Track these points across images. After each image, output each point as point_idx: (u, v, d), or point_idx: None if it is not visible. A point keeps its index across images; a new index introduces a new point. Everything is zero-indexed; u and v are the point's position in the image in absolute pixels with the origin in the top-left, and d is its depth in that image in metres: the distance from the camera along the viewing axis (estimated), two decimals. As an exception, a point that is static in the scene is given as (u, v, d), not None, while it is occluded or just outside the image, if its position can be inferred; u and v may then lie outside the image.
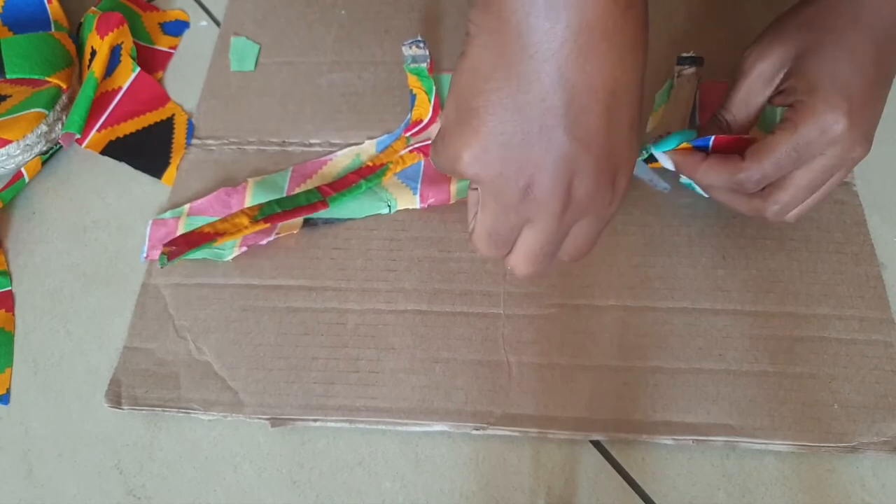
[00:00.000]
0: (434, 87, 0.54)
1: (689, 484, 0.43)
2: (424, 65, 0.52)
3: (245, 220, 0.50)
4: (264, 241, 0.51)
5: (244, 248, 0.51)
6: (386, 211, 0.51)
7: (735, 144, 0.41)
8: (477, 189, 0.34)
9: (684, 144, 0.42)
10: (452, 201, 0.51)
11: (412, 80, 0.54)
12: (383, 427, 0.45)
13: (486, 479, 0.44)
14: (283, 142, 0.56)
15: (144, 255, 0.52)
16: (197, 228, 0.50)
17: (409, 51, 0.52)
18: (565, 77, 0.28)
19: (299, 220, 0.52)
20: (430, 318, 0.48)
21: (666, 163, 0.43)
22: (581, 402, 0.44)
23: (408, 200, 0.52)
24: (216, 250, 0.51)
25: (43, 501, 0.46)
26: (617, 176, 0.32)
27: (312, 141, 0.56)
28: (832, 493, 0.42)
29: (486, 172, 0.31)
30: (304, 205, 0.51)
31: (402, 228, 0.51)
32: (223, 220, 0.50)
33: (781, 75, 0.41)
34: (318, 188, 0.52)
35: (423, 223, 0.51)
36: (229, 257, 0.51)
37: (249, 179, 0.54)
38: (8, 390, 0.49)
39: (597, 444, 0.44)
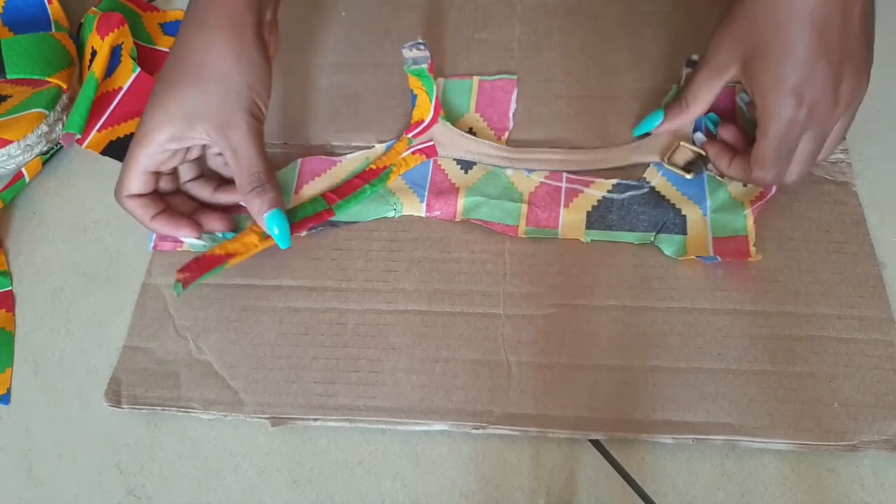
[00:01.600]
0: (435, 88, 0.54)
1: (689, 483, 0.43)
2: (425, 66, 0.52)
3: (255, 239, 0.50)
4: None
5: None
6: (392, 214, 0.52)
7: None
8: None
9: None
10: (458, 219, 0.51)
11: (413, 81, 0.54)
12: (383, 426, 0.45)
13: (485, 478, 0.44)
14: (285, 143, 0.56)
15: (153, 244, 0.52)
16: (208, 251, 0.50)
17: (409, 53, 0.52)
18: None
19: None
20: (429, 318, 0.48)
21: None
22: (581, 402, 0.44)
23: (414, 207, 0.52)
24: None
25: (43, 501, 0.46)
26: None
27: (313, 143, 0.56)
28: (832, 492, 0.42)
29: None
30: (311, 215, 0.51)
31: (403, 229, 0.51)
32: (234, 240, 0.50)
33: (735, 67, 0.46)
34: (324, 195, 0.52)
35: (423, 224, 0.51)
36: None
37: None
38: (8, 390, 0.49)
39: (596, 443, 0.44)
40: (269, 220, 0.48)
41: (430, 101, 0.53)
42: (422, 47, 0.51)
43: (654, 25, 0.58)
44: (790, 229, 0.48)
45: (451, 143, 0.53)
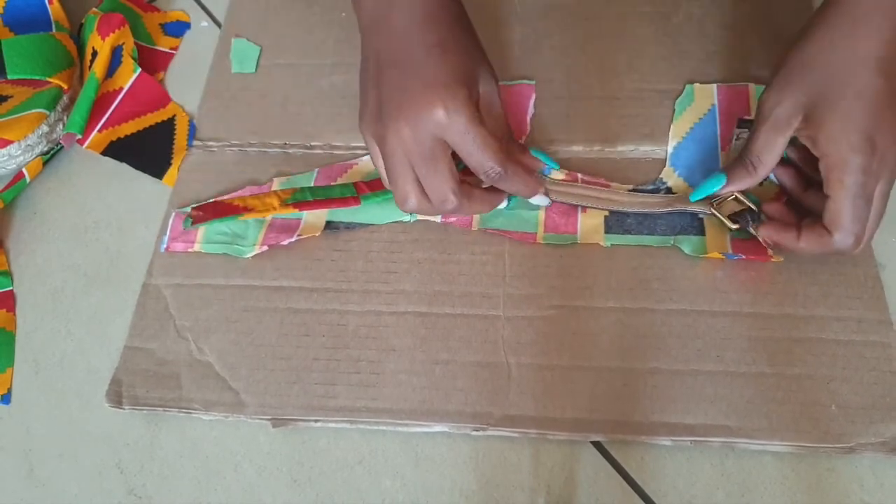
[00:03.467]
0: None
1: (689, 483, 0.43)
2: None
3: (275, 202, 0.51)
4: (286, 242, 0.51)
5: (265, 247, 0.51)
6: (408, 218, 0.51)
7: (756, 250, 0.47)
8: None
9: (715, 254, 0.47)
10: (474, 228, 0.51)
11: None
12: (384, 428, 0.45)
13: (485, 477, 0.44)
14: (285, 144, 0.56)
15: (165, 246, 0.52)
16: (227, 199, 0.51)
17: None
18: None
19: (322, 222, 0.52)
20: (430, 319, 0.48)
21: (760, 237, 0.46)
22: (580, 404, 0.44)
23: None
24: (237, 247, 0.51)
25: (44, 501, 0.46)
26: None
27: (314, 143, 0.56)
28: (831, 492, 0.42)
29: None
30: (337, 197, 0.51)
31: (403, 230, 0.51)
32: (254, 196, 0.51)
33: (798, 118, 0.43)
34: (354, 184, 0.52)
35: (423, 225, 0.51)
36: (249, 254, 0.51)
37: (275, 179, 0.54)
38: (9, 390, 0.49)
39: (596, 443, 0.44)
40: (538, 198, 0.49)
41: None
42: None
43: (654, 26, 0.58)
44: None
45: None
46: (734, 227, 0.47)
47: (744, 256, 0.47)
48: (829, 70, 0.42)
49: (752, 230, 0.46)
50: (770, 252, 0.47)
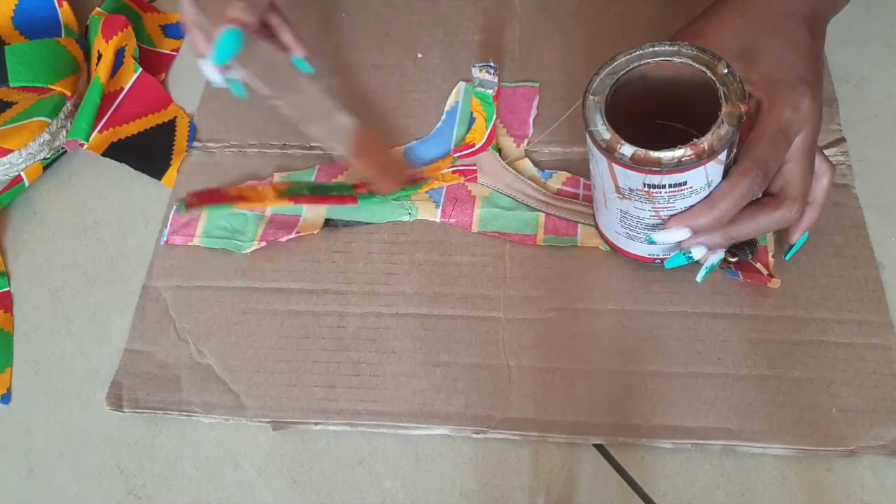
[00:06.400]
0: (495, 116, 0.53)
1: (689, 483, 0.43)
2: (491, 91, 0.53)
3: (271, 193, 0.51)
4: (284, 239, 0.51)
5: (263, 243, 0.51)
6: (407, 218, 0.51)
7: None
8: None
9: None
10: (474, 230, 0.51)
11: (475, 104, 0.54)
12: (384, 430, 0.45)
13: (485, 478, 0.44)
14: (284, 145, 0.56)
15: (165, 239, 0.52)
16: (223, 188, 0.51)
17: (478, 73, 0.52)
18: None
19: (321, 219, 0.52)
20: (430, 321, 0.48)
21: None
22: (580, 406, 0.44)
23: (429, 212, 0.51)
24: (235, 242, 0.51)
25: (44, 501, 0.46)
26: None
27: (313, 143, 0.56)
28: (831, 492, 0.42)
29: None
30: (334, 195, 0.51)
31: (403, 232, 0.51)
32: (249, 187, 0.51)
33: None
34: (354, 184, 0.52)
35: (423, 227, 0.51)
36: (247, 250, 0.51)
37: (276, 174, 0.54)
38: (8, 390, 0.50)
39: (597, 444, 0.44)
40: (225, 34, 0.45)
41: (487, 128, 0.53)
42: (492, 71, 0.52)
43: (654, 28, 0.58)
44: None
45: (493, 172, 0.53)
46: (733, 259, 0.46)
47: (741, 276, 0.47)
48: (761, 20, 0.43)
49: (752, 262, 0.46)
50: (767, 277, 0.46)
